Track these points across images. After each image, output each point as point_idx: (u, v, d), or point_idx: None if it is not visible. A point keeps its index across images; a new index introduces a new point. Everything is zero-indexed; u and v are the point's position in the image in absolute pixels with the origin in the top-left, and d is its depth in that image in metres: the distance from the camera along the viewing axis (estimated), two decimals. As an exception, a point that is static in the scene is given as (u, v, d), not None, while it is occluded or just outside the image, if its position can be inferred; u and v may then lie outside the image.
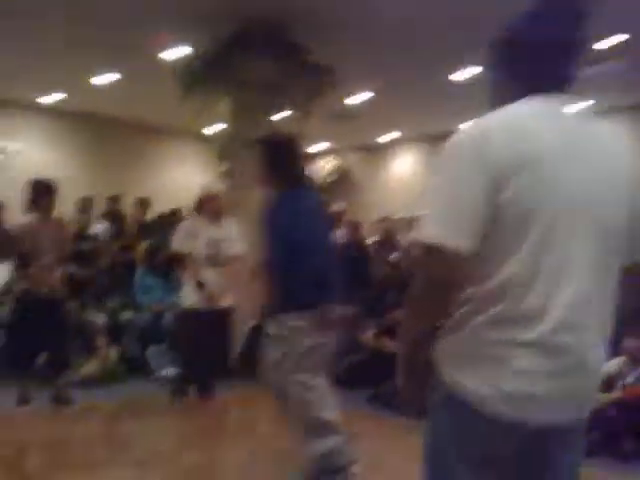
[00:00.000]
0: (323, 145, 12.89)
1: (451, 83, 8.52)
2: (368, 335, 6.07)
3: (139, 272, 7.12)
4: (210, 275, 5.52)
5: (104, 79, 9.10)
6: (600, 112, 7.28)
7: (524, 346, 1.42)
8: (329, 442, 3.39)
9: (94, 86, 9.35)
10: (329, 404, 3.48)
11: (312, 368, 3.45)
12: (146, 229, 8.04)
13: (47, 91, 10.04)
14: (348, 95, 9.26)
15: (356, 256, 7.49)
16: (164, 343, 6.56)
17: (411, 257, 1.63)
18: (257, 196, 6.97)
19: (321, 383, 3.49)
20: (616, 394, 4.46)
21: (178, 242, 5.65)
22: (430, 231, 1.44)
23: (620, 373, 4.56)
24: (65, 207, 6.11)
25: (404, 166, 12.18)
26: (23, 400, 5.07)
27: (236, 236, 5.78)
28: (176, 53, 7.80)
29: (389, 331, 5.99)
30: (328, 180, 12.53)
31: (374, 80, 8.67)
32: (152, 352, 6.50)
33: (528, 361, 1.42)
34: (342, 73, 7.28)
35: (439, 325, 1.55)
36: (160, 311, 6.70)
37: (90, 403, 5.38)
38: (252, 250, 5.91)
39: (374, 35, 7.07)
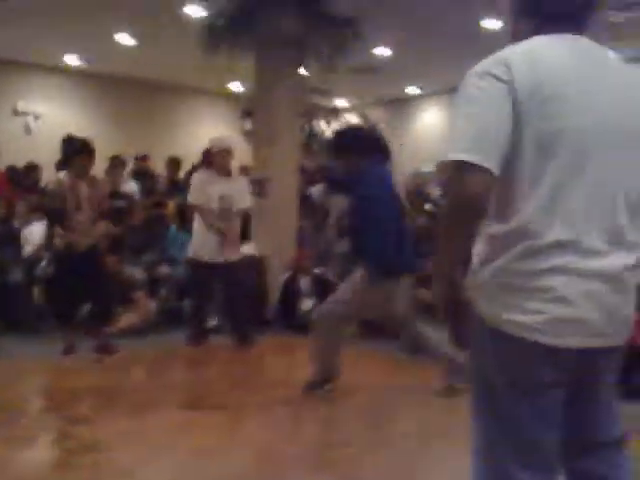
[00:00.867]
0: (347, 100, 12.81)
1: (482, 31, 8.35)
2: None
3: (172, 229, 7.22)
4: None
5: (126, 39, 9.10)
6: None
7: (560, 272, 1.44)
8: None
9: (116, 47, 9.35)
10: None
11: None
12: (177, 187, 8.10)
13: (70, 53, 10.06)
14: (372, 48, 9.16)
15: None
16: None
17: (445, 179, 1.61)
18: (280, 153, 7.12)
19: None
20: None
21: (193, 195, 5.74)
22: (460, 150, 1.45)
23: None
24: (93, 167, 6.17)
25: (431, 119, 12.06)
26: (69, 350, 5.22)
27: (246, 191, 5.85)
28: (198, 11, 7.75)
29: (425, 281, 6.02)
30: (353, 136, 12.41)
31: (398, 31, 8.54)
32: (188, 304, 6.61)
33: (566, 286, 1.44)
34: (365, 25, 7.18)
35: (469, 262, 1.57)
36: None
37: (132, 352, 5.52)
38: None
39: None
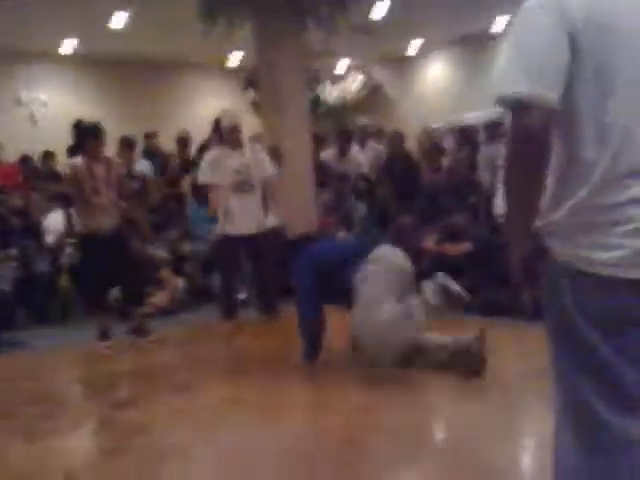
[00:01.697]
0: (351, 61, 12.59)
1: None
2: (429, 242, 6.05)
3: (191, 206, 7.18)
4: (241, 202, 5.58)
5: (121, 18, 8.95)
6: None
7: (636, 205, 1.39)
8: None
9: (111, 28, 9.21)
10: None
11: None
12: (188, 163, 8.03)
13: (66, 39, 9.92)
14: (371, 7, 8.97)
15: (404, 167, 7.42)
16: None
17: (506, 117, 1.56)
18: (289, 121, 7.02)
19: None
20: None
21: (204, 174, 5.71)
22: (517, 83, 1.39)
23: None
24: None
25: (437, 73, 11.86)
26: (104, 335, 5.21)
27: (265, 158, 5.81)
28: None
29: (450, 235, 5.97)
30: (358, 96, 12.28)
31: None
32: (215, 279, 6.60)
33: None
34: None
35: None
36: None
37: (165, 332, 5.52)
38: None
39: None
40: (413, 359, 3.86)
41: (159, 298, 6.18)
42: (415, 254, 6.20)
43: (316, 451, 3.04)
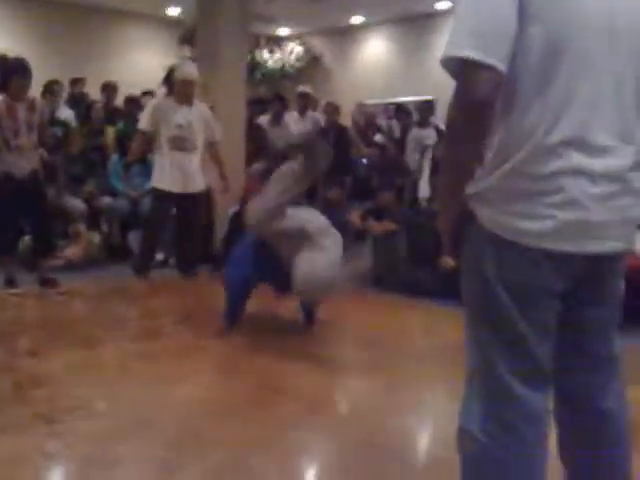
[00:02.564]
0: (291, 29, 12.43)
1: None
2: (354, 217, 6.07)
3: (112, 158, 6.91)
4: (178, 159, 5.42)
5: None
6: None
7: (568, 174, 1.39)
8: None
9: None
10: None
11: None
12: (114, 114, 7.74)
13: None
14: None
15: (337, 139, 7.40)
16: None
17: (452, 75, 1.52)
18: (224, 82, 6.85)
19: None
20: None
21: (144, 121, 5.53)
22: (464, 46, 1.37)
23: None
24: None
25: (377, 49, 11.83)
26: (10, 282, 4.99)
27: (213, 121, 5.67)
28: None
29: (375, 213, 6.01)
30: (297, 66, 12.15)
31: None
32: (133, 237, 6.42)
33: (575, 189, 1.39)
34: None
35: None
36: (137, 197, 6.56)
37: (76, 286, 5.33)
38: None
39: None
40: None
41: (72, 251, 5.95)
42: (340, 228, 6.25)
43: (221, 407, 3.02)
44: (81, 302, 5.14)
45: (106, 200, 6.52)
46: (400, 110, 8.39)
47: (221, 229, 6.54)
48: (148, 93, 8.07)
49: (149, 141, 5.64)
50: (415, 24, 10.99)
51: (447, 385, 2.99)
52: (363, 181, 6.82)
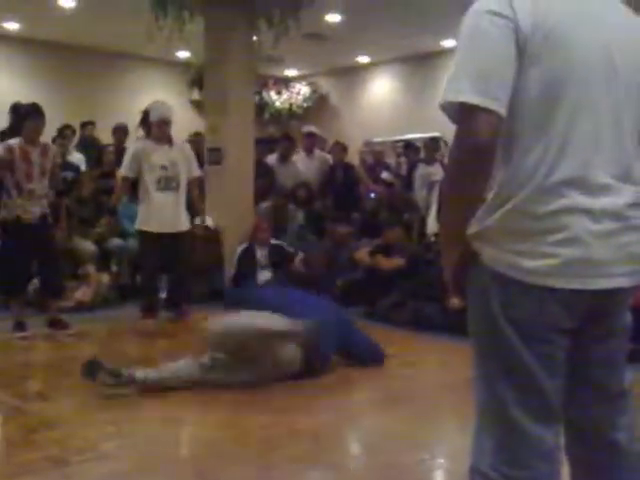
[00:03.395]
0: (298, 70, 12.63)
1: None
2: (363, 254, 6.09)
3: (122, 200, 6.98)
4: (163, 199, 5.45)
5: (67, 3, 8.71)
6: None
7: (570, 212, 1.40)
8: None
9: (58, 11, 8.95)
10: None
11: None
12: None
13: (9, 20, 9.58)
14: (324, 13, 8.99)
15: (344, 178, 7.47)
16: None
17: (453, 119, 1.54)
18: (233, 122, 6.96)
19: None
20: None
21: (126, 167, 5.57)
22: (464, 91, 1.38)
23: None
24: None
25: (383, 88, 11.98)
26: (19, 326, 5.00)
27: (192, 157, 5.72)
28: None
29: (384, 250, 6.02)
30: (304, 106, 12.32)
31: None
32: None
33: (577, 227, 1.39)
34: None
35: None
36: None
37: (85, 327, 5.34)
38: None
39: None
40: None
41: (82, 293, 5.98)
42: (349, 264, 6.27)
43: (233, 447, 2.98)
44: (90, 343, 5.13)
45: (116, 241, 6.57)
46: (408, 147, 8.46)
47: (230, 267, 6.58)
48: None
49: (132, 185, 5.67)
50: (421, 62, 11.14)
51: (459, 421, 2.95)
52: (371, 217, 6.86)
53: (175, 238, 5.49)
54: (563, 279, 1.41)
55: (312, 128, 8.28)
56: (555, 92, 1.41)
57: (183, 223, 5.61)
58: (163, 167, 5.41)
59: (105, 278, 6.29)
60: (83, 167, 7.47)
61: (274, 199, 7.16)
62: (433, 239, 6.37)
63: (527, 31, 1.39)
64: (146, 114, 5.61)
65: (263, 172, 7.51)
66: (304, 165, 7.88)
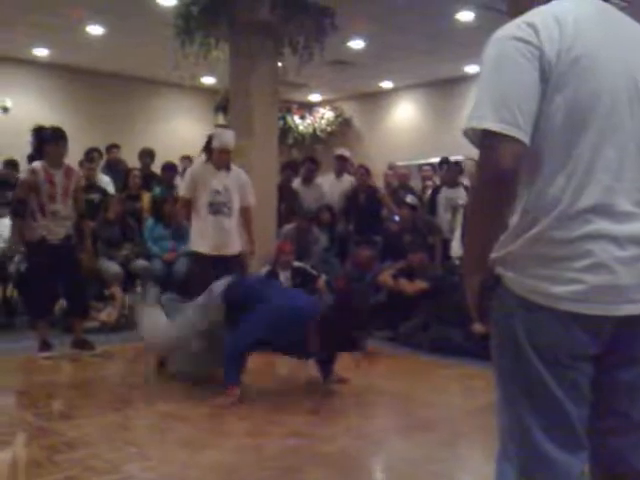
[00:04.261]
0: (321, 95, 12.75)
1: (457, 24, 8.34)
2: (386, 277, 6.07)
3: (148, 222, 7.08)
4: (215, 223, 5.51)
5: (97, 31, 8.92)
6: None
7: (595, 239, 1.39)
8: None
9: (87, 39, 9.18)
10: None
11: None
12: (151, 180, 7.95)
13: (40, 46, 9.83)
14: (347, 40, 9.09)
15: (368, 200, 7.49)
16: (176, 290, 6.56)
17: (477, 146, 1.55)
18: (257, 146, 7.03)
19: None
20: None
21: (184, 187, 5.67)
22: (488, 119, 1.38)
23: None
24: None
25: (406, 112, 12.04)
26: (44, 345, 5.05)
27: (249, 185, 5.78)
28: (169, 0, 7.62)
29: (407, 273, 6.00)
30: (328, 130, 12.41)
31: (372, 24, 8.48)
32: (166, 299, 6.49)
33: (602, 253, 1.39)
34: (341, 16, 7.12)
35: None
36: (171, 260, 6.68)
37: (110, 348, 5.38)
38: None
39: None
40: None
41: (107, 314, 6.04)
42: (372, 287, 6.25)
43: (251, 472, 2.97)
44: (115, 364, 5.18)
45: (141, 263, 6.64)
46: (446, 163, 8.38)
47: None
48: (186, 158, 8.36)
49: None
50: (444, 87, 11.19)
51: (483, 448, 2.91)
52: (395, 239, 6.85)
53: (226, 261, 5.53)
54: (588, 305, 1.40)
55: (344, 151, 8.34)
56: (580, 119, 1.41)
57: (234, 246, 5.65)
58: (217, 192, 5.49)
59: (129, 299, 6.34)
60: (110, 189, 7.57)
61: (298, 221, 7.18)
62: (458, 262, 6.35)
63: (552, 58, 1.39)
64: (210, 139, 5.73)
65: (287, 196, 7.56)
66: (331, 187, 7.92)
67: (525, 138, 1.38)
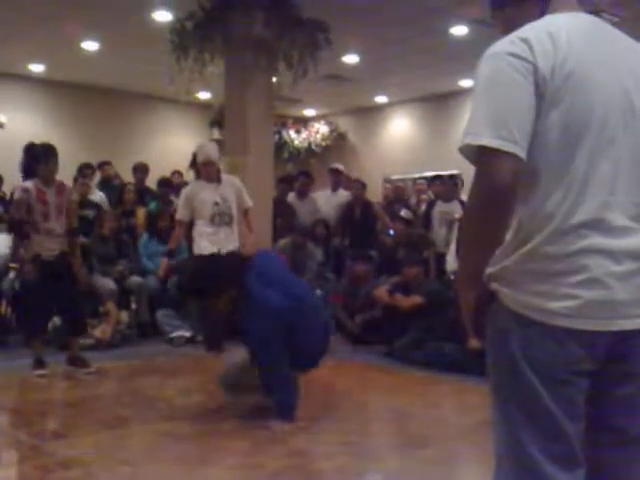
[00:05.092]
0: (316, 110, 12.79)
1: (451, 38, 8.39)
2: (382, 292, 6.06)
3: (143, 238, 7.07)
4: (218, 234, 5.51)
5: (93, 47, 8.95)
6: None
7: (589, 254, 1.39)
8: None
9: (83, 55, 9.19)
10: None
11: None
12: (145, 194, 7.94)
13: (31, 61, 9.85)
14: (341, 55, 9.13)
15: (364, 215, 7.50)
16: (171, 306, 6.55)
17: (474, 163, 1.54)
18: (253, 161, 7.05)
19: None
20: None
21: (181, 212, 5.73)
22: (484, 135, 1.37)
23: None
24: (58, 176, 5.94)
25: (401, 127, 12.09)
26: (38, 363, 5.00)
27: (243, 189, 5.82)
28: (166, 16, 7.66)
29: (402, 288, 5.99)
30: (323, 144, 12.45)
31: (367, 38, 8.54)
32: (161, 315, 6.47)
33: (597, 268, 1.38)
34: (335, 32, 7.16)
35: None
36: (164, 276, 6.64)
37: (105, 365, 5.34)
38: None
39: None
40: None
41: (101, 330, 6.00)
42: (367, 301, 6.25)
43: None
44: (110, 381, 5.14)
45: (136, 279, 6.61)
46: (435, 180, 8.40)
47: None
48: (176, 172, 8.51)
49: (188, 228, 5.80)
50: (439, 102, 11.24)
51: (479, 464, 2.89)
52: (390, 253, 6.86)
53: None
54: (584, 320, 1.39)
55: (338, 165, 8.39)
56: (575, 134, 1.41)
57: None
58: (215, 203, 5.55)
59: (124, 316, 6.31)
60: (105, 205, 7.55)
61: (293, 236, 7.18)
62: (452, 277, 6.34)
63: (546, 73, 1.39)
64: (194, 156, 5.76)
65: (284, 211, 7.57)
66: (326, 202, 7.94)
67: (522, 153, 1.38)
